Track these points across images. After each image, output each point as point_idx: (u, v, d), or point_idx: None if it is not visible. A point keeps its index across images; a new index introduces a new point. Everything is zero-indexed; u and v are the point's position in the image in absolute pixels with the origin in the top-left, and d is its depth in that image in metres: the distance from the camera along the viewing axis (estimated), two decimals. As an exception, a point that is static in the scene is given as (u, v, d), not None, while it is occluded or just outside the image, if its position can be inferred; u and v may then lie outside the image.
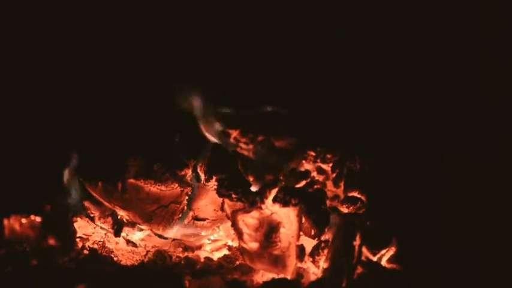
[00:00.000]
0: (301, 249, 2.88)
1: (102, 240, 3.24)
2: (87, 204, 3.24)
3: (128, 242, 3.27)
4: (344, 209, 3.03)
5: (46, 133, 3.53)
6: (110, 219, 3.22)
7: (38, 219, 3.01)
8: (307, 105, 3.62)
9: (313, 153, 3.31)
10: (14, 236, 2.95)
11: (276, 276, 2.91)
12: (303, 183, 3.22)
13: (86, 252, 3.10)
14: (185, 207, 3.21)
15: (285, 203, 2.85)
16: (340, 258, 2.82)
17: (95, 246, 3.18)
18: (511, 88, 3.57)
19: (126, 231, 3.30)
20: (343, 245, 2.85)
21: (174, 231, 3.23)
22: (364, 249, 2.90)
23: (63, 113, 3.65)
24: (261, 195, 2.90)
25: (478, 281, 2.99)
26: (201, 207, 3.23)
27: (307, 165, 3.32)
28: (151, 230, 3.28)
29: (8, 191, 3.23)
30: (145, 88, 3.66)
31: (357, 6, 3.87)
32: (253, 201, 2.91)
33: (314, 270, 2.87)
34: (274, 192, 2.89)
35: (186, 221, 3.23)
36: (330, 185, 3.25)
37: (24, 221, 2.98)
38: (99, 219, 3.24)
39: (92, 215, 3.26)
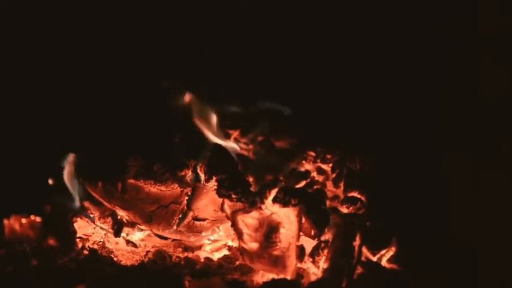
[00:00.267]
0: (301, 250, 2.88)
1: (102, 240, 3.24)
2: (87, 204, 3.24)
3: (128, 242, 3.27)
4: (344, 209, 3.02)
5: (46, 133, 3.53)
6: (109, 219, 3.22)
7: (38, 219, 3.01)
8: (307, 105, 3.62)
9: (313, 154, 3.30)
10: (14, 236, 2.95)
11: (276, 276, 2.91)
12: (302, 183, 3.22)
13: (85, 252, 3.10)
14: (185, 208, 3.21)
15: (284, 203, 2.85)
16: (340, 258, 2.82)
17: (95, 246, 3.18)
18: (511, 88, 3.57)
19: (126, 232, 3.30)
20: (343, 245, 2.85)
21: (174, 231, 3.23)
22: (364, 250, 2.90)
23: (63, 113, 3.65)
24: (261, 195, 2.89)
25: (478, 281, 2.99)
26: (201, 207, 3.23)
27: (307, 166, 3.31)
28: (151, 230, 3.28)
29: (8, 191, 3.23)
30: (145, 88, 3.66)
31: (357, 6, 3.87)
32: (253, 202, 2.91)
33: (314, 270, 2.87)
34: (274, 192, 2.89)
35: (186, 221, 3.23)
36: (329, 185, 3.25)
37: (24, 221, 2.98)
38: (99, 219, 3.24)
39: (91, 215, 3.26)
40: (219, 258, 3.18)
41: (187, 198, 3.19)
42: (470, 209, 3.25)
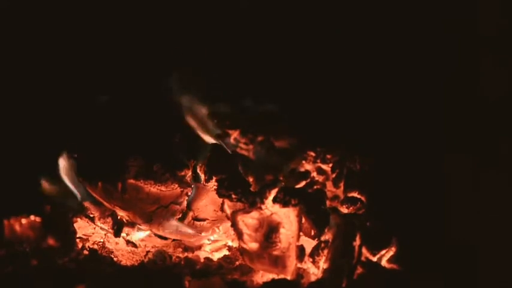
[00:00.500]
0: (301, 250, 2.88)
1: (102, 240, 3.24)
2: (87, 204, 3.24)
3: (128, 242, 3.28)
4: (344, 210, 3.02)
5: (46, 133, 3.52)
6: (109, 219, 3.23)
7: (38, 219, 3.01)
8: (307, 105, 3.62)
9: (313, 154, 3.30)
10: (14, 236, 2.95)
11: (275, 276, 2.91)
12: (302, 183, 3.22)
13: (85, 252, 3.10)
14: (185, 208, 3.21)
15: (284, 204, 2.85)
16: (340, 258, 2.82)
17: (95, 246, 3.18)
18: (511, 88, 3.57)
19: (126, 232, 3.30)
20: (343, 245, 2.85)
21: (174, 231, 3.23)
22: (364, 250, 2.90)
23: (63, 113, 3.65)
24: (261, 195, 2.90)
25: (478, 281, 2.99)
26: (201, 207, 3.23)
27: (307, 166, 3.31)
28: (151, 230, 3.28)
29: (8, 191, 3.23)
30: (145, 88, 3.66)
31: (357, 6, 3.87)
32: (253, 202, 2.91)
33: (314, 270, 2.87)
34: (274, 192, 2.89)
35: (186, 221, 3.23)
36: (329, 185, 3.25)
37: (24, 221, 2.98)
38: (99, 219, 3.24)
39: (91, 216, 3.26)
40: (219, 258, 3.18)
41: (187, 198, 3.19)
42: (470, 209, 3.25)
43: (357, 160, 3.23)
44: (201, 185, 3.17)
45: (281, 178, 3.19)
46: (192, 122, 3.38)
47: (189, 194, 3.19)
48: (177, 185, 3.15)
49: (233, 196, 2.97)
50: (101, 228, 3.26)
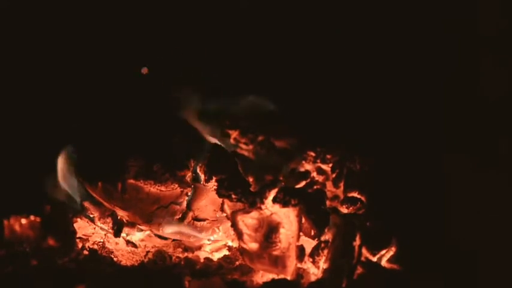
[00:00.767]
0: (301, 250, 2.88)
1: (102, 240, 3.24)
2: (87, 204, 3.24)
3: (128, 242, 3.27)
4: (344, 210, 3.03)
5: (46, 133, 3.53)
6: (109, 219, 3.22)
7: (38, 219, 3.01)
8: (307, 105, 3.62)
9: (313, 154, 3.30)
10: (13, 236, 2.95)
11: (275, 276, 2.91)
12: (302, 183, 3.22)
13: (85, 252, 3.10)
14: (185, 208, 3.21)
15: (284, 204, 2.85)
16: (340, 258, 2.82)
17: (95, 246, 3.18)
18: (511, 88, 3.57)
19: (126, 232, 3.30)
20: (343, 245, 2.85)
21: (174, 231, 3.23)
22: (364, 250, 2.90)
23: (63, 113, 3.65)
24: (261, 195, 2.90)
25: (478, 281, 2.99)
26: (201, 207, 3.23)
27: (307, 166, 3.31)
28: (151, 230, 3.28)
29: (8, 191, 3.23)
30: (145, 88, 3.66)
31: (357, 6, 3.87)
32: (253, 202, 2.91)
33: (314, 270, 2.87)
34: (274, 192, 2.89)
35: (186, 221, 3.23)
36: (329, 185, 3.25)
37: (24, 221, 2.98)
38: (99, 219, 3.24)
39: (91, 216, 3.26)
40: (219, 258, 3.18)
41: (187, 198, 3.19)
42: (470, 209, 3.25)
43: (357, 160, 3.23)
44: (201, 185, 3.17)
45: (281, 178, 3.19)
46: (192, 122, 3.38)
47: (189, 194, 3.19)
48: (177, 185, 3.15)
49: (233, 196, 2.97)
50: (101, 228, 3.26)
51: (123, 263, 3.12)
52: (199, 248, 3.29)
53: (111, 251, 3.19)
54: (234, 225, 2.95)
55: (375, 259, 2.93)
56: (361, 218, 2.97)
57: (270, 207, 2.89)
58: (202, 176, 3.13)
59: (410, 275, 2.90)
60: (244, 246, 2.93)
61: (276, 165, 3.33)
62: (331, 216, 2.94)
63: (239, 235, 2.93)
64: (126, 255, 3.19)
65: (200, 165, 3.15)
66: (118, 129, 3.37)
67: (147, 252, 3.21)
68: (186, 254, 3.23)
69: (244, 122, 3.50)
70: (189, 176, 3.19)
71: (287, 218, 2.87)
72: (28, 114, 3.66)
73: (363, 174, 3.19)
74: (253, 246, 2.91)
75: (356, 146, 3.30)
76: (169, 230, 3.23)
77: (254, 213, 2.90)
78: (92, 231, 3.28)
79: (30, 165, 3.39)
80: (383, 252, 2.94)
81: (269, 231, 2.88)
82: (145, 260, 3.14)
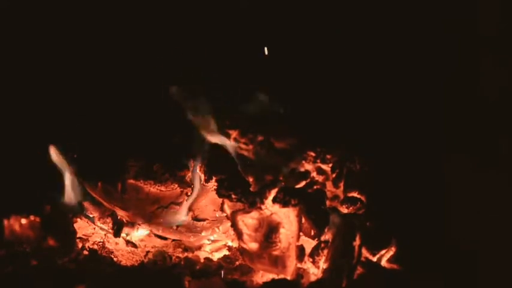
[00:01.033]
0: (301, 250, 2.88)
1: (101, 240, 3.24)
2: (86, 204, 3.24)
3: (128, 242, 3.27)
4: (344, 210, 3.02)
5: (46, 133, 3.52)
6: (109, 219, 3.22)
7: (38, 219, 3.01)
8: (307, 106, 3.62)
9: (313, 154, 3.30)
10: (13, 236, 2.95)
11: (275, 276, 2.91)
12: (302, 183, 3.21)
13: (85, 252, 3.10)
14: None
15: (284, 204, 2.85)
16: (340, 258, 2.82)
17: (95, 246, 3.18)
18: (511, 88, 3.57)
19: (126, 232, 3.30)
20: (343, 245, 2.85)
21: (174, 231, 3.23)
22: (364, 250, 2.90)
23: (63, 113, 3.65)
24: (261, 195, 2.90)
25: (478, 281, 2.99)
26: (200, 207, 3.23)
27: (307, 166, 3.30)
28: (151, 230, 3.28)
29: (8, 191, 3.23)
30: (145, 88, 3.66)
31: (357, 6, 3.87)
32: (252, 202, 2.91)
33: (314, 270, 2.87)
34: (273, 192, 2.89)
35: (186, 221, 3.23)
36: (329, 185, 3.24)
37: (24, 221, 2.98)
38: (98, 219, 3.24)
39: (91, 216, 3.26)
40: (219, 258, 3.18)
41: (187, 198, 3.19)
42: (470, 209, 3.25)
43: (356, 160, 3.22)
44: (201, 185, 3.17)
45: (281, 178, 3.18)
46: (192, 122, 3.37)
47: (189, 194, 3.19)
48: (177, 185, 3.15)
49: (233, 196, 2.97)
50: (101, 228, 3.26)
51: (123, 263, 3.11)
52: (199, 248, 3.29)
53: (111, 251, 3.18)
54: (234, 225, 2.95)
55: (374, 259, 2.93)
56: (361, 218, 2.97)
57: (270, 207, 2.89)
58: (202, 176, 3.13)
59: (410, 275, 2.90)
60: (244, 246, 2.93)
61: (276, 165, 3.32)
62: (331, 216, 2.94)
63: (239, 235, 2.93)
64: (126, 255, 3.19)
65: (200, 165, 3.15)
66: (118, 129, 3.38)
67: (147, 252, 3.20)
68: (186, 254, 3.22)
69: (244, 122, 3.50)
70: (189, 176, 3.19)
71: (287, 218, 2.87)
72: (28, 114, 3.66)
73: (362, 174, 3.18)
74: (253, 246, 2.91)
75: (356, 146, 3.30)
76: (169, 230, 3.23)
77: (254, 213, 2.90)
78: (91, 231, 3.28)
79: (30, 165, 3.39)
80: (383, 252, 2.93)
81: (269, 231, 2.88)
82: (145, 260, 3.14)
